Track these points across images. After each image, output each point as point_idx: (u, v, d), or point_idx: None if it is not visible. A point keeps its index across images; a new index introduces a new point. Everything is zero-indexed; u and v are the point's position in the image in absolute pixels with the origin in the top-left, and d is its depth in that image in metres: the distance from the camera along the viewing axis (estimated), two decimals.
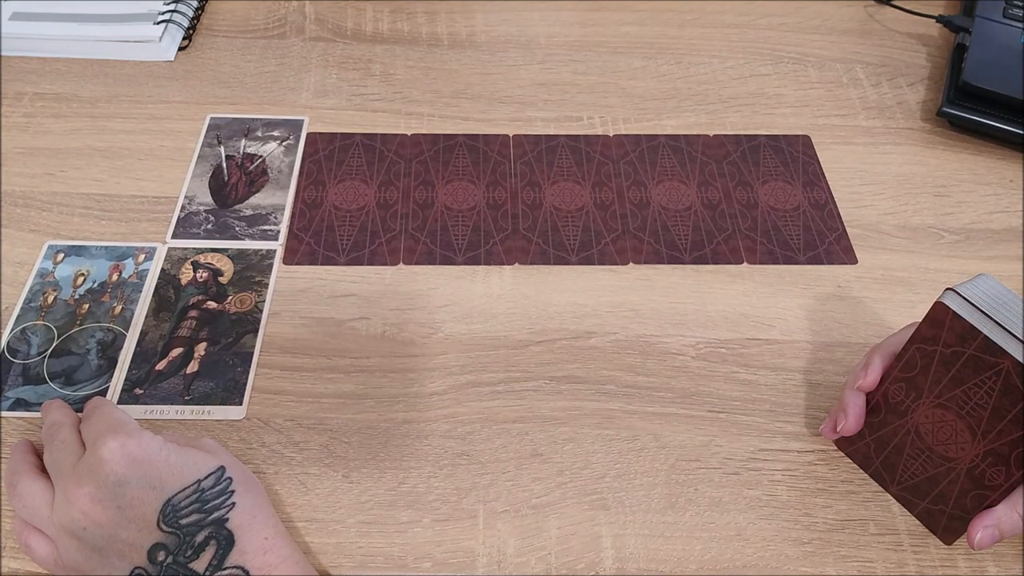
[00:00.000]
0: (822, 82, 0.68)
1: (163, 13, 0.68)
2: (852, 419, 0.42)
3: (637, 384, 0.49)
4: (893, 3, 0.75)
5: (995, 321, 0.36)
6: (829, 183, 0.60)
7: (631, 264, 0.55)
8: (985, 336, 0.36)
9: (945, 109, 0.63)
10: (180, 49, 0.68)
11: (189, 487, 0.37)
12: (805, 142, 0.63)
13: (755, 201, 0.59)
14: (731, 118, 0.65)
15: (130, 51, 0.67)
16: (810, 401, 0.48)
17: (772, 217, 0.58)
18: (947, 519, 0.42)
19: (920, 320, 0.39)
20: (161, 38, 0.67)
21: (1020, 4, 0.69)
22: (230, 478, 0.38)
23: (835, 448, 0.46)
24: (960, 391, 0.38)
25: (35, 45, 0.67)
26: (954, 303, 0.37)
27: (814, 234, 0.57)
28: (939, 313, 0.37)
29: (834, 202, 0.59)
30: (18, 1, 0.69)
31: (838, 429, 0.43)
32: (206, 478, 0.38)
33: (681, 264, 0.55)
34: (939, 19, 0.72)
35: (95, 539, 0.37)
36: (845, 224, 0.57)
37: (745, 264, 0.55)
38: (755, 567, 0.42)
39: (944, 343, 0.38)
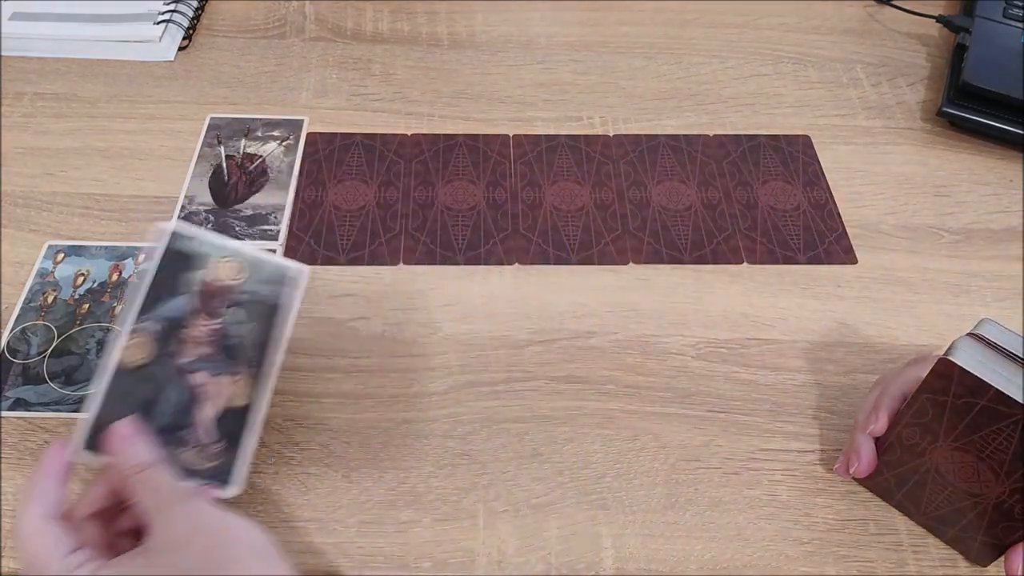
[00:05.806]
0: (822, 82, 0.68)
1: (163, 13, 0.68)
2: (864, 463, 0.42)
3: (637, 384, 0.49)
4: (893, 3, 0.75)
5: (1003, 375, 0.35)
6: (829, 183, 0.60)
7: (631, 264, 0.55)
8: (997, 390, 0.35)
9: (945, 109, 0.63)
10: (180, 49, 0.68)
11: None
12: (805, 142, 0.63)
13: (755, 201, 0.59)
14: (731, 118, 0.65)
15: (130, 51, 0.67)
16: (810, 401, 0.48)
17: (772, 217, 0.58)
18: (979, 545, 0.41)
19: (927, 371, 0.37)
20: (161, 38, 0.67)
21: (1020, 4, 0.69)
22: None
23: (834, 448, 0.46)
24: (978, 436, 0.37)
25: (35, 45, 0.67)
26: (960, 357, 0.36)
27: (814, 234, 0.57)
28: (945, 368, 0.36)
29: (834, 202, 0.59)
30: (18, 1, 0.69)
31: (851, 471, 0.43)
32: None
33: (681, 264, 0.55)
34: (939, 19, 0.72)
35: None
36: (845, 224, 0.57)
37: (745, 264, 0.55)
38: (755, 567, 0.42)
39: (954, 395, 0.37)
